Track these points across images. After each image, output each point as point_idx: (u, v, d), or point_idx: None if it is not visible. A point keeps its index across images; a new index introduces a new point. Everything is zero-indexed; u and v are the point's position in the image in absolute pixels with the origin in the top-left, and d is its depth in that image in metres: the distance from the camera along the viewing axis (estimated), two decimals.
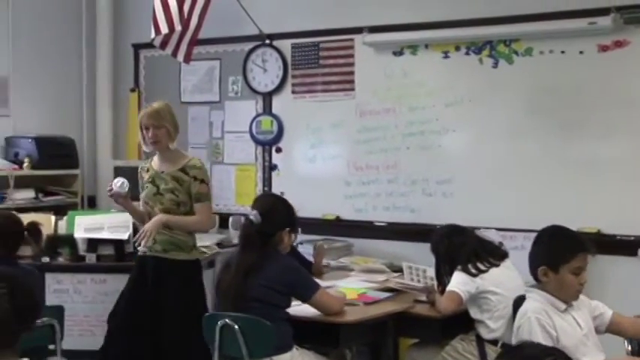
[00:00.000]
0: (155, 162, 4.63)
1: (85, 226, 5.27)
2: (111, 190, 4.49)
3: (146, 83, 6.95)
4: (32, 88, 6.42)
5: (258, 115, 6.39)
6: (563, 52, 5.24)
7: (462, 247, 4.19)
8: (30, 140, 6.08)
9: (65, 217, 5.49)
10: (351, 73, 6.00)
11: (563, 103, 5.26)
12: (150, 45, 5.94)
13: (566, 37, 5.20)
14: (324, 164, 6.13)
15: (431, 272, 4.42)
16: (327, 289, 4.14)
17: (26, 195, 5.91)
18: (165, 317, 4.43)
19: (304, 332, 3.84)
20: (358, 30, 5.89)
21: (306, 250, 5.30)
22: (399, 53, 5.81)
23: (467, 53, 5.57)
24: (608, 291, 4.70)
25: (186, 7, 5.57)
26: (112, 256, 5.20)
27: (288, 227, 3.94)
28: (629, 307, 3.67)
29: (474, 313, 4.09)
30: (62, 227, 5.48)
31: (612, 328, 3.44)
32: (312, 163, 6.18)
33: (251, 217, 3.86)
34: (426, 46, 5.71)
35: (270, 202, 4.07)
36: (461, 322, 4.12)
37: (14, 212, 4.62)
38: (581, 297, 3.39)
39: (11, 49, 6.23)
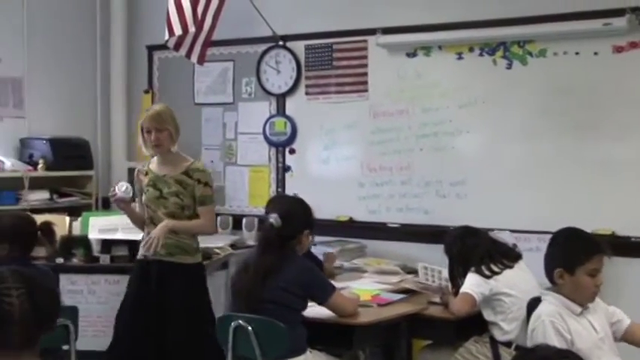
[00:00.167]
0: (154, 165, 4.60)
1: (99, 227, 5.28)
2: (115, 194, 4.48)
3: (160, 84, 6.97)
4: (47, 89, 6.45)
5: (271, 117, 6.39)
6: (577, 53, 5.22)
7: (475, 249, 4.18)
8: (44, 141, 6.10)
9: (79, 218, 5.51)
10: (365, 74, 5.99)
11: (577, 104, 5.24)
12: (164, 46, 5.95)
13: (581, 38, 5.18)
14: (337, 165, 6.13)
15: (446, 273, 4.41)
16: (341, 291, 4.14)
17: (41, 196, 5.93)
18: (172, 320, 4.41)
19: (317, 334, 3.84)
20: (372, 31, 5.88)
21: (320, 252, 5.29)
22: (412, 54, 5.80)
23: (481, 54, 5.55)
24: (623, 293, 4.67)
25: (199, 9, 5.58)
26: (126, 257, 5.20)
27: (308, 229, 3.95)
28: None
29: (488, 315, 4.08)
30: (76, 228, 5.50)
31: (627, 337, 3.41)
32: (326, 165, 6.18)
33: (271, 220, 3.84)
34: (440, 48, 5.70)
35: (290, 205, 4.06)
36: (474, 324, 4.11)
37: (28, 213, 4.66)
38: (598, 301, 3.37)
39: (26, 51, 6.26)
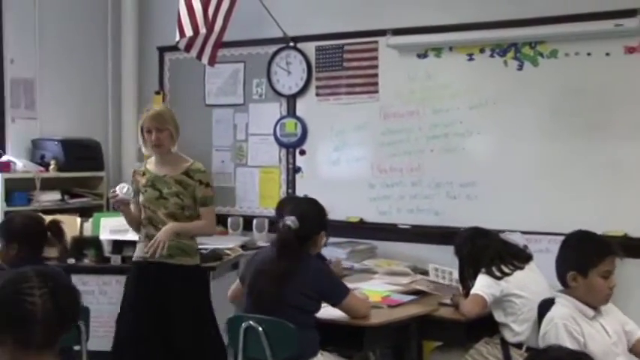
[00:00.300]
0: (152, 165, 4.59)
1: (110, 228, 5.30)
2: (116, 195, 4.45)
3: (171, 86, 6.98)
4: (58, 91, 6.47)
5: (282, 118, 6.40)
6: (589, 54, 5.21)
7: (485, 250, 4.17)
8: (56, 142, 6.12)
9: (90, 219, 5.53)
10: (375, 75, 5.99)
11: (588, 105, 5.22)
12: (175, 48, 5.95)
13: (592, 38, 5.16)
14: (348, 167, 6.13)
15: (457, 274, 4.41)
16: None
17: (52, 197, 5.94)
18: (174, 322, 4.39)
19: (328, 335, 3.84)
20: (382, 32, 5.88)
21: (330, 253, 5.29)
22: (423, 55, 5.80)
23: (492, 55, 5.54)
24: (635, 294, 4.67)
25: (210, 10, 5.59)
26: None
27: (323, 230, 3.95)
28: None
29: (499, 317, 4.07)
30: (87, 229, 5.52)
31: (636, 350, 3.38)
32: (336, 166, 6.18)
33: (288, 222, 3.81)
34: (451, 49, 5.69)
35: (306, 206, 4.03)
36: (485, 325, 4.10)
37: (37, 213, 4.66)
38: (611, 305, 3.36)
39: (38, 53, 6.28)
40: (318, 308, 3.81)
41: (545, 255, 4.66)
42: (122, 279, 5.08)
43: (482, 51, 5.57)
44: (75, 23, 6.63)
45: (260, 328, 3.70)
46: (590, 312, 3.25)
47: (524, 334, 3.97)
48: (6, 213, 5.30)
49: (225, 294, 4.18)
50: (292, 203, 4.15)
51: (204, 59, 5.90)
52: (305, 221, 3.83)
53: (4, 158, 5.86)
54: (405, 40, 5.80)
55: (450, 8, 5.65)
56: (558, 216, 5.16)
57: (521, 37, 5.39)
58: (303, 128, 6.29)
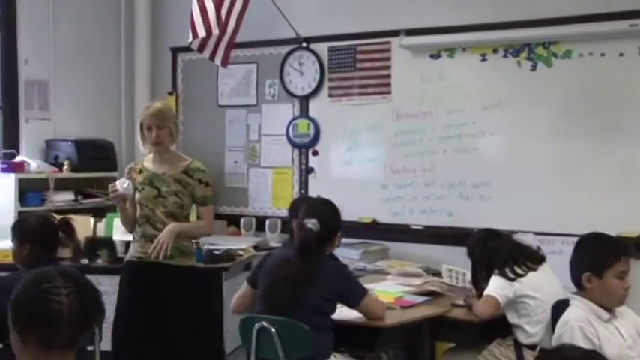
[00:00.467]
0: (150, 163, 4.49)
1: (123, 229, 5.30)
2: (116, 190, 4.34)
3: (184, 86, 7.00)
4: (72, 91, 6.49)
5: (294, 118, 6.40)
6: (602, 54, 5.20)
7: (498, 251, 4.16)
8: (70, 143, 6.14)
9: (104, 220, 5.55)
10: (388, 76, 5.99)
11: (602, 106, 5.21)
12: (188, 49, 5.97)
13: (606, 39, 5.15)
14: (360, 167, 6.13)
15: (470, 276, 4.40)
16: None
17: (66, 197, 5.96)
18: (175, 323, 4.33)
19: (340, 336, 3.83)
20: (395, 33, 5.88)
21: (343, 254, 5.28)
22: (436, 56, 5.79)
23: (505, 56, 5.53)
24: None
25: (223, 11, 5.60)
26: None
27: (339, 230, 3.94)
28: None
29: (512, 318, 4.06)
30: (101, 229, 5.54)
31: None
32: (349, 166, 6.17)
33: (310, 225, 3.78)
34: (464, 49, 5.68)
35: (326, 208, 3.97)
36: (498, 327, 4.09)
37: (49, 213, 4.67)
38: (626, 308, 3.35)
39: (52, 54, 6.31)
40: (334, 310, 3.80)
41: (559, 256, 4.66)
42: None
43: (495, 51, 5.56)
44: (89, 25, 6.66)
45: (273, 329, 3.69)
46: (605, 314, 3.24)
47: (538, 336, 3.95)
48: (20, 213, 5.31)
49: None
50: (308, 204, 4.08)
51: (217, 60, 5.91)
52: (325, 223, 3.82)
53: (19, 159, 5.89)
54: (418, 41, 5.79)
55: (463, 9, 5.64)
56: (572, 217, 5.15)
57: (535, 38, 5.38)
58: (316, 129, 6.30)
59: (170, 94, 6.98)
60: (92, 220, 5.61)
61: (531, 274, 4.08)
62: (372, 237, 5.91)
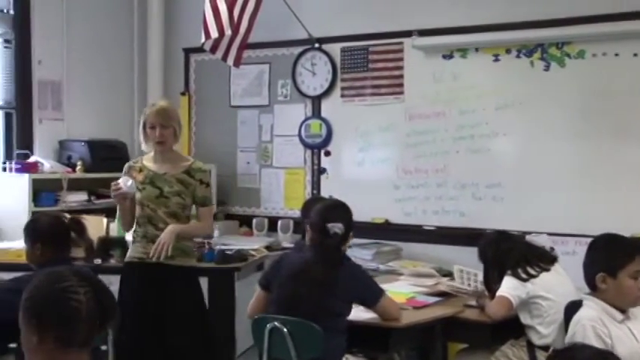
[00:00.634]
0: (150, 162, 4.42)
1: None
2: (119, 188, 4.24)
3: (196, 87, 7.02)
4: (85, 92, 6.52)
5: (307, 119, 6.41)
6: (616, 54, 5.18)
7: (510, 253, 4.14)
8: (83, 144, 6.16)
9: (116, 220, 5.55)
10: (401, 76, 5.98)
11: (616, 106, 5.19)
12: (200, 49, 5.98)
13: (620, 39, 5.13)
14: (372, 168, 6.12)
15: (482, 276, 4.38)
16: None
17: (79, 197, 5.97)
18: (176, 323, 4.27)
19: (353, 337, 3.82)
20: (407, 33, 5.87)
21: (355, 254, 5.28)
22: (448, 56, 5.78)
23: (518, 56, 5.52)
24: None
25: (236, 12, 5.61)
26: None
27: (352, 230, 3.93)
28: None
29: (525, 319, 4.04)
30: (114, 229, 5.56)
31: None
32: (361, 167, 6.17)
33: (336, 230, 3.76)
34: (476, 50, 5.67)
35: (345, 210, 3.91)
36: (511, 328, 4.07)
37: (61, 213, 4.67)
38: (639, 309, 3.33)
39: (65, 54, 6.34)
40: (350, 311, 3.78)
41: (572, 257, 4.65)
42: None
43: (508, 51, 5.55)
44: (102, 26, 6.69)
45: (285, 329, 3.69)
46: (619, 315, 3.22)
47: (551, 337, 3.94)
48: (33, 213, 5.33)
49: (250, 294, 4.15)
50: (327, 207, 3.94)
51: (230, 60, 5.92)
52: (347, 226, 3.81)
53: (32, 159, 5.91)
54: (431, 41, 5.78)
55: (475, 9, 5.63)
56: (585, 217, 5.13)
57: (548, 38, 5.36)
58: (328, 129, 6.30)
59: (183, 94, 7.00)
60: (105, 220, 5.62)
61: (544, 275, 4.06)
62: (384, 237, 5.90)
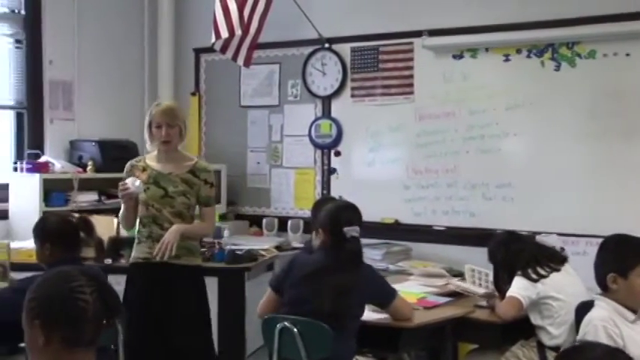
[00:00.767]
0: (153, 161, 4.38)
1: None
2: (127, 188, 4.20)
3: (206, 87, 7.03)
4: (96, 92, 6.54)
5: (317, 119, 6.41)
6: (628, 54, 5.16)
7: (519, 254, 4.13)
8: (93, 144, 6.17)
9: (120, 218, 5.55)
10: (411, 76, 5.98)
11: (627, 106, 5.17)
12: (210, 49, 5.99)
13: (631, 39, 5.11)
14: (382, 168, 6.12)
15: (492, 277, 4.38)
16: None
17: (89, 197, 5.99)
18: (181, 322, 4.25)
19: (363, 337, 3.82)
20: (418, 33, 5.87)
21: (365, 254, 5.25)
22: (458, 56, 5.77)
23: (528, 56, 5.51)
24: None
25: (246, 12, 5.62)
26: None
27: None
28: None
29: (535, 319, 4.03)
30: (124, 229, 5.55)
31: None
32: (371, 167, 6.17)
33: (354, 234, 3.75)
34: (487, 50, 5.66)
35: (357, 212, 3.89)
36: (521, 328, 4.06)
37: (71, 213, 4.68)
38: None
39: (76, 55, 6.36)
40: (363, 312, 3.78)
41: (583, 257, 4.63)
42: None
43: (518, 51, 5.54)
44: (113, 26, 6.71)
45: (295, 329, 3.69)
46: (631, 315, 3.22)
47: (562, 337, 3.93)
48: (44, 213, 5.35)
49: (260, 295, 4.15)
50: (340, 210, 3.91)
51: (240, 60, 5.93)
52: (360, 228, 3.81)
53: (43, 159, 5.93)
54: (441, 41, 5.78)
55: (486, 9, 5.62)
56: (596, 218, 5.12)
57: (559, 38, 5.35)
58: (338, 129, 6.30)
59: (193, 94, 7.02)
60: (115, 220, 5.60)
61: (554, 276, 4.05)
62: (394, 238, 5.90)
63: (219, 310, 5.11)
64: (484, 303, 4.25)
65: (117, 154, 6.23)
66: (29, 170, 5.76)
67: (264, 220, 6.45)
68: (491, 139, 5.65)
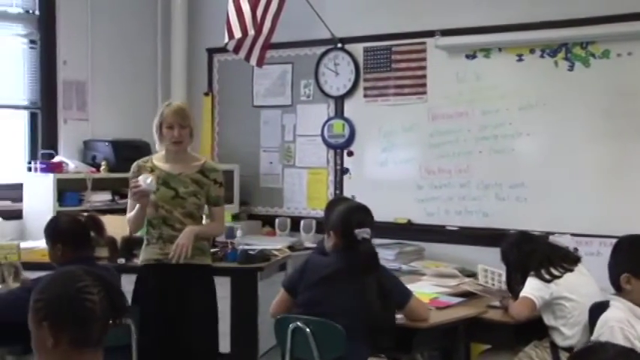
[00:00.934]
0: (161, 162, 4.33)
1: None
2: (139, 186, 4.11)
3: (219, 87, 7.04)
4: (109, 92, 6.57)
5: (329, 119, 6.41)
6: None
7: (532, 254, 4.11)
8: (107, 144, 6.19)
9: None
10: (424, 76, 5.97)
11: None
12: (223, 49, 6.00)
13: None
14: (395, 168, 6.11)
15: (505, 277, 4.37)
16: None
17: (103, 197, 6.01)
18: (194, 321, 4.23)
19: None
20: (430, 33, 5.86)
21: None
22: (471, 56, 5.76)
23: (542, 56, 5.49)
24: None
25: (259, 12, 5.62)
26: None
27: None
28: None
29: (548, 320, 4.02)
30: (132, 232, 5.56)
31: None
32: (384, 167, 6.17)
33: (366, 236, 3.72)
34: (500, 49, 5.65)
35: (369, 214, 3.87)
36: (534, 328, 4.05)
37: (81, 213, 4.69)
38: None
39: (90, 55, 6.38)
40: None
41: (597, 258, 4.62)
42: None
43: (532, 51, 5.52)
44: (126, 26, 6.74)
45: (308, 329, 3.69)
46: None
47: (575, 338, 3.91)
48: (58, 213, 5.37)
49: (272, 294, 4.15)
50: (352, 212, 3.88)
51: (253, 61, 5.94)
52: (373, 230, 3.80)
53: (57, 159, 5.96)
54: (454, 41, 5.77)
55: (499, 9, 5.61)
56: (609, 218, 5.09)
57: (572, 38, 5.33)
58: (351, 129, 6.30)
59: (206, 94, 7.03)
60: None
61: (568, 276, 4.04)
62: (406, 238, 5.89)
63: (232, 310, 5.12)
64: (497, 303, 4.24)
65: (130, 154, 6.22)
66: (43, 170, 5.79)
67: (276, 220, 6.46)
68: (504, 139, 5.64)
